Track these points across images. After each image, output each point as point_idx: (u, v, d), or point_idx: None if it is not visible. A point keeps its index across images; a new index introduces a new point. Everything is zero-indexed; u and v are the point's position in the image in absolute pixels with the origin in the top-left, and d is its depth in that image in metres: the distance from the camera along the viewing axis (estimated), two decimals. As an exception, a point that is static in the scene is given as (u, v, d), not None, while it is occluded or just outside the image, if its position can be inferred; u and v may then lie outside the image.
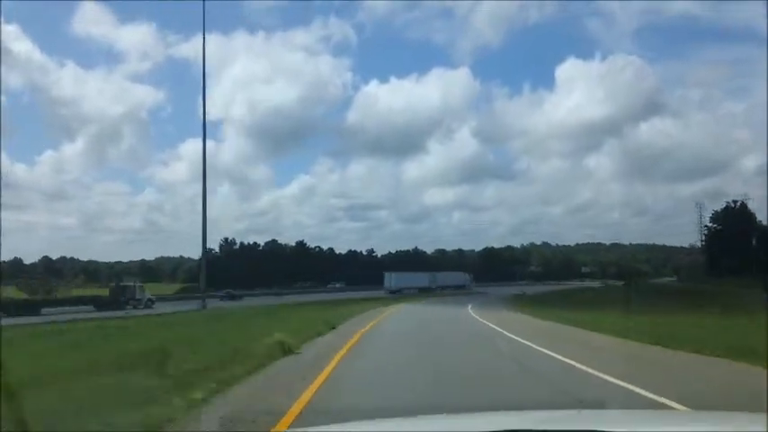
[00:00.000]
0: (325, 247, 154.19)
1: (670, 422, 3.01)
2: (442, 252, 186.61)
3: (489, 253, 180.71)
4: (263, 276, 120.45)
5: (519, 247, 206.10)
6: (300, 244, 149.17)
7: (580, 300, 51.24)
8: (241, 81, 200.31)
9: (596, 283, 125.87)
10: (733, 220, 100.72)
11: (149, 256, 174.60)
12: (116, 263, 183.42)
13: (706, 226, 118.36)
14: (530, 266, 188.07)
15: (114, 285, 59.77)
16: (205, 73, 46.59)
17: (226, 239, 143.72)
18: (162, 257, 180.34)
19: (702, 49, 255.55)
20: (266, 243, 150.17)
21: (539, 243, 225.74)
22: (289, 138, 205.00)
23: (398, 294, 78.83)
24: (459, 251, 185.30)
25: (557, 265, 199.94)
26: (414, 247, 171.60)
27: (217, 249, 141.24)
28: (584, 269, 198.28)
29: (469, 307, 39.87)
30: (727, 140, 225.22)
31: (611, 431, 2.47)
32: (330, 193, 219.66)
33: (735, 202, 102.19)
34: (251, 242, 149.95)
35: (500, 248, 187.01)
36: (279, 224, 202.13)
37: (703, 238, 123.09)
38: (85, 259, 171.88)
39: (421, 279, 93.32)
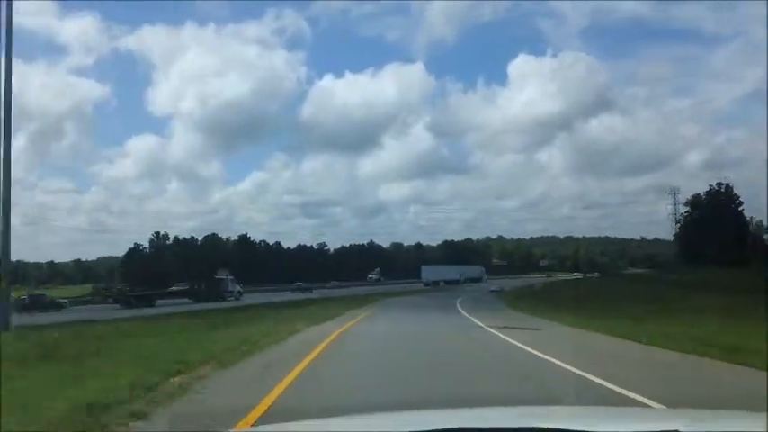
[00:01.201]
0: (271, 242, 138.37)
1: (671, 420, 2.75)
2: (398, 246, 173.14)
3: (449, 246, 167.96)
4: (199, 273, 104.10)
5: (476, 240, 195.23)
6: (243, 238, 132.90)
7: (606, 294, 38.41)
8: (191, 75, 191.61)
9: (578, 275, 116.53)
10: (717, 204, 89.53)
11: (92, 255, 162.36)
12: (47, 263, 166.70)
13: (683, 213, 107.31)
14: (491, 259, 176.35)
15: (212, 279, 61.04)
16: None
17: (157, 234, 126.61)
18: (103, 257, 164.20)
19: (649, 48, 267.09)
20: (205, 237, 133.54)
21: (494, 237, 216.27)
22: (241, 133, 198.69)
23: (433, 286, 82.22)
24: (418, 245, 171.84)
25: (517, 258, 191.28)
26: (369, 240, 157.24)
27: (146, 245, 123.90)
28: (542, 262, 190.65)
29: (477, 318, 22.56)
30: (673, 136, 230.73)
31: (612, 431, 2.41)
32: (284, 189, 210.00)
33: (720, 185, 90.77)
34: (187, 236, 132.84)
35: (460, 241, 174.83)
36: (231, 222, 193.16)
37: (677, 225, 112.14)
38: (14, 260, 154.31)
39: (453, 272, 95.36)
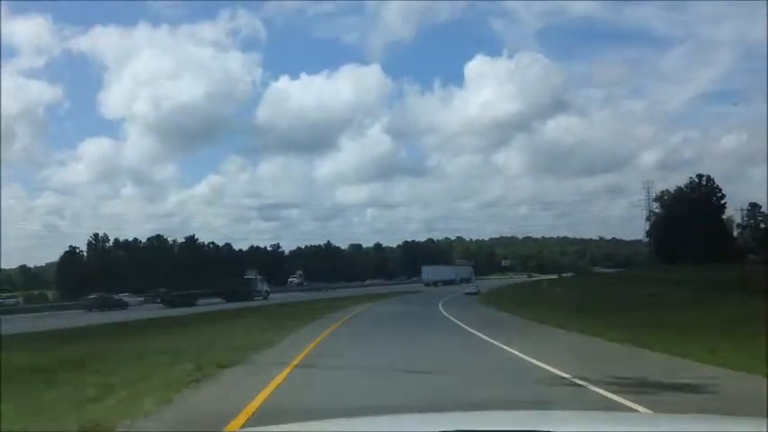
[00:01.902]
0: (221, 243, 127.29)
1: (665, 425, 2.80)
2: (356, 247, 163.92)
3: (409, 246, 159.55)
4: (143, 277, 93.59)
5: (437, 241, 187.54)
6: (191, 239, 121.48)
7: (621, 298, 30.44)
8: (145, 77, 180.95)
9: (553, 276, 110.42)
10: (698, 197, 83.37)
11: (42, 261, 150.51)
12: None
13: (654, 209, 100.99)
14: (454, 259, 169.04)
15: (241, 279, 62.15)
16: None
17: (96, 236, 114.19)
18: (53, 263, 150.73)
19: (603, 50, 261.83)
20: (149, 239, 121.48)
21: (453, 238, 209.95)
22: (197, 136, 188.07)
23: (433, 286, 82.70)
24: (378, 246, 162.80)
25: (480, 259, 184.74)
26: (326, 241, 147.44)
27: (84, 248, 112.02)
28: (504, 262, 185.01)
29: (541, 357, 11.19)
30: (628, 138, 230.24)
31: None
32: (241, 192, 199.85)
33: (700, 176, 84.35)
34: (129, 238, 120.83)
35: (421, 242, 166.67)
36: (188, 225, 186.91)
37: (649, 221, 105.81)
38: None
39: (450, 273, 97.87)
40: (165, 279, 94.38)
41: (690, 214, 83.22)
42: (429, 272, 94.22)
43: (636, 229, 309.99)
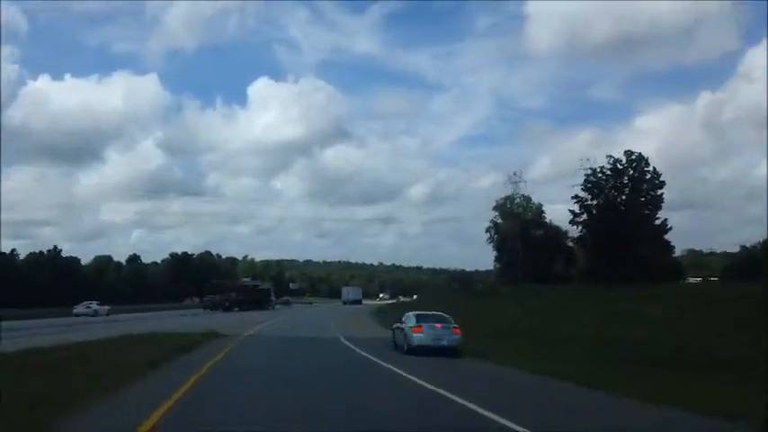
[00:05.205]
0: None
1: None
2: (104, 260, 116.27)
3: (181, 260, 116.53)
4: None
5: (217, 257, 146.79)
6: None
7: None
8: None
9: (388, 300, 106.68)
10: (632, 181, 58.29)
11: None
12: None
13: (494, 221, 74.79)
14: (240, 278, 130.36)
15: (259, 289, 70.56)
16: None
17: None
18: None
19: (382, 88, 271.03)
20: None
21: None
22: None
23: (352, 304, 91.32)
24: (133, 257, 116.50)
25: (268, 279, 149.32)
26: (52, 246, 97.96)
27: None
28: (292, 285, 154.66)
29: None
30: (401, 171, 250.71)
31: None
32: None
33: (629, 153, 58.95)
34: None
35: (195, 255, 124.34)
36: None
37: (489, 233, 78.05)
38: None
39: (358, 294, 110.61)
40: None
41: (612, 209, 58.13)
42: (349, 292, 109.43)
43: (412, 256, 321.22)
